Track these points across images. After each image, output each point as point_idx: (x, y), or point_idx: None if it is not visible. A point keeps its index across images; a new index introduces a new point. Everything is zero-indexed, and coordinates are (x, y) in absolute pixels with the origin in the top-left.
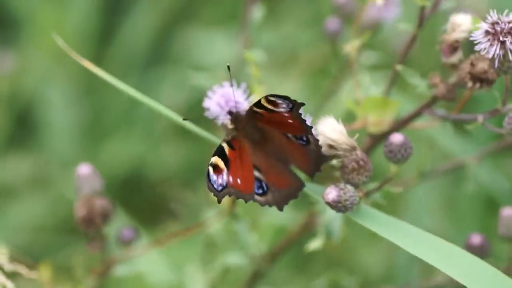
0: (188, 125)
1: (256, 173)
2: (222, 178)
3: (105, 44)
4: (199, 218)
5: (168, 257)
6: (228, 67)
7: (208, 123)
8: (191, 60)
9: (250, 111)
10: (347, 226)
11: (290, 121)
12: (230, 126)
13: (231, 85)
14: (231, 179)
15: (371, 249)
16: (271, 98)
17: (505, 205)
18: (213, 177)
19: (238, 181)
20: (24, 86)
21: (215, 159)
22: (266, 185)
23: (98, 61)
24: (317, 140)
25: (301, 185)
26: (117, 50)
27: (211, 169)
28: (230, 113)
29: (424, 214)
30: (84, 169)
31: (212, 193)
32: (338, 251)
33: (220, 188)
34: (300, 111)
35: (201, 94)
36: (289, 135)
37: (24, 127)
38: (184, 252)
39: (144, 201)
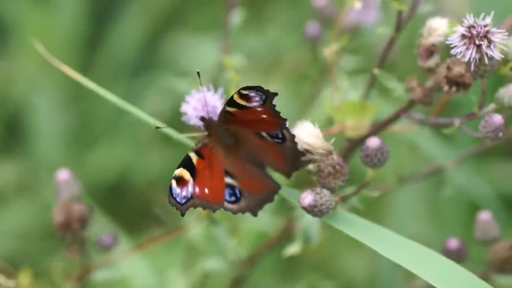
0: (165, 132)
1: (229, 180)
2: (187, 190)
3: (94, 50)
4: (182, 223)
5: (151, 261)
6: (198, 73)
7: (192, 128)
8: (179, 66)
9: (223, 113)
10: (330, 231)
11: (264, 116)
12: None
13: (208, 90)
14: (197, 189)
15: (356, 254)
16: (244, 92)
17: (486, 209)
18: (176, 190)
19: (206, 191)
20: (12, 93)
21: (180, 171)
22: (240, 191)
23: (87, 67)
24: (293, 136)
25: (277, 187)
26: (106, 56)
27: (173, 182)
28: (202, 119)
29: (408, 218)
30: (62, 174)
31: (174, 207)
32: (322, 256)
33: (184, 200)
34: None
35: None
36: (264, 134)
37: (11, 134)
38: (167, 256)
39: (130, 207)
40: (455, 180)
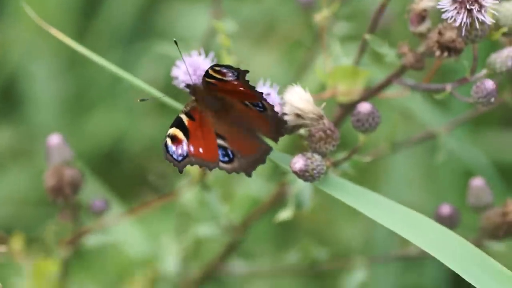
0: (153, 97)
1: (220, 141)
2: (182, 148)
3: (90, 17)
4: (175, 189)
5: (144, 227)
6: (175, 41)
7: (186, 96)
8: (175, 33)
9: (204, 81)
10: (324, 198)
11: (241, 88)
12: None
13: (199, 54)
14: (192, 148)
15: (351, 222)
16: (217, 68)
17: (480, 174)
18: (172, 147)
19: (200, 150)
20: (8, 59)
21: (173, 130)
22: (232, 152)
23: (83, 34)
24: (272, 106)
25: (268, 149)
26: (102, 23)
27: (168, 140)
28: (188, 86)
29: (402, 184)
30: (54, 139)
31: (172, 164)
32: (318, 224)
33: (180, 158)
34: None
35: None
36: (248, 103)
37: (7, 100)
38: (160, 222)
39: (125, 173)
40: (447, 146)
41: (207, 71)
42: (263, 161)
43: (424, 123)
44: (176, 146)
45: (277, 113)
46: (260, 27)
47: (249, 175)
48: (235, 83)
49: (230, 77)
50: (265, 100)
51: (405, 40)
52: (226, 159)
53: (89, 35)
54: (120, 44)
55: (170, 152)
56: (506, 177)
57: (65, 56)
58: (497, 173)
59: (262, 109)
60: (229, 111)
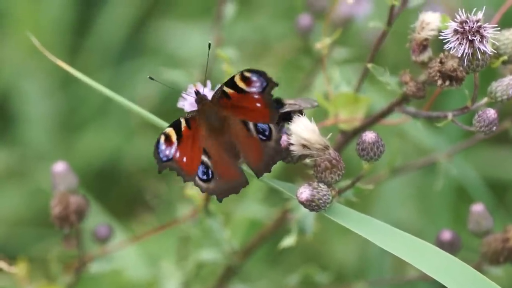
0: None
1: (205, 159)
2: (170, 150)
3: (82, 35)
4: (174, 211)
5: (145, 251)
6: (208, 48)
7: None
8: (167, 52)
9: (218, 94)
10: (321, 220)
11: (258, 104)
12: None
13: (205, 86)
14: (178, 154)
15: (345, 240)
16: (247, 74)
17: (475, 195)
18: (162, 145)
19: (184, 159)
20: (1, 78)
21: (170, 130)
22: (212, 172)
23: (75, 53)
24: (279, 137)
25: (245, 182)
26: (93, 41)
27: (162, 137)
28: (197, 93)
29: (397, 205)
30: (59, 166)
31: (155, 160)
32: (313, 245)
33: (164, 158)
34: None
35: (174, 87)
36: (251, 127)
37: (0, 119)
38: (161, 245)
39: (120, 193)
40: (448, 172)
41: (232, 78)
42: (237, 192)
43: (420, 143)
44: (166, 146)
45: (280, 146)
46: (253, 46)
47: (220, 200)
48: (256, 97)
49: (256, 87)
50: (276, 127)
51: (399, 58)
52: (204, 177)
53: (81, 53)
54: (112, 62)
55: (159, 150)
56: (497, 193)
57: (57, 75)
58: (488, 189)
59: (265, 138)
60: (225, 133)
